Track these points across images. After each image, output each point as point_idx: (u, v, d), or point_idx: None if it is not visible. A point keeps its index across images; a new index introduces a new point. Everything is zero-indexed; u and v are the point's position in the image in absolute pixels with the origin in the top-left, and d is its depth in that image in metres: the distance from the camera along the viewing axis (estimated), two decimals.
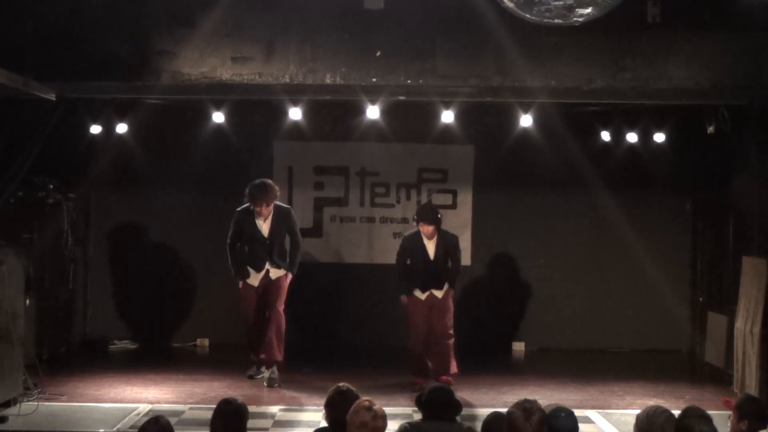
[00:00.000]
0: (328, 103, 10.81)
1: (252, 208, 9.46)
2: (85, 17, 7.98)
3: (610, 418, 8.31)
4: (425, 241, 9.45)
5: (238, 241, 9.64)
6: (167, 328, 11.73)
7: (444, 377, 9.24)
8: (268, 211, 9.49)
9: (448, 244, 9.55)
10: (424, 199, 11.85)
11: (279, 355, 9.52)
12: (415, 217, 9.65)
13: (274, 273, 9.58)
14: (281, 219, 9.59)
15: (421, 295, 9.44)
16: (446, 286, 9.50)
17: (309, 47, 8.09)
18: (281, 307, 9.58)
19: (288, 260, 9.63)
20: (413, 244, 9.53)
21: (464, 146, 11.80)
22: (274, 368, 9.49)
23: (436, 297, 9.46)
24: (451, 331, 9.48)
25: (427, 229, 9.39)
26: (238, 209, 9.63)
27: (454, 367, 9.44)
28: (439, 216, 9.51)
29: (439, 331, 9.42)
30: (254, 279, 9.59)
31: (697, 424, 4.68)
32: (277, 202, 9.60)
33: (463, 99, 9.60)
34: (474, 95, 9.06)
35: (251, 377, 9.68)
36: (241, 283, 9.62)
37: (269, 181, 9.62)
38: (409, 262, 9.59)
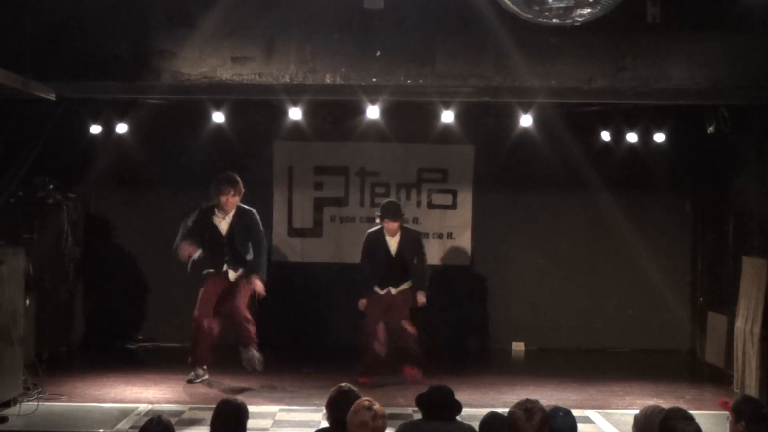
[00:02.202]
0: (328, 103, 10.80)
1: (215, 203, 9.38)
2: (85, 17, 7.97)
3: (610, 418, 8.32)
4: (387, 237, 9.58)
5: (188, 228, 9.46)
6: (167, 327, 11.72)
7: (409, 368, 9.35)
8: (233, 204, 9.36)
9: (411, 240, 9.67)
10: (424, 199, 11.86)
11: (252, 334, 9.38)
12: (378, 214, 9.72)
13: (233, 275, 9.45)
14: (242, 220, 9.47)
15: (380, 291, 9.60)
16: (404, 285, 9.58)
17: (309, 47, 8.09)
18: (246, 313, 9.42)
19: (253, 262, 9.46)
20: (376, 241, 9.64)
21: (464, 146, 11.80)
22: (252, 349, 9.36)
23: (392, 295, 9.59)
24: (410, 329, 9.53)
25: (391, 225, 9.54)
26: (201, 206, 9.54)
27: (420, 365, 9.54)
28: (403, 213, 9.71)
29: (395, 327, 9.51)
30: (215, 275, 9.44)
31: (681, 425, 4.67)
32: (241, 204, 9.49)
33: (463, 99, 9.60)
34: (474, 95, 9.05)
35: (191, 382, 9.41)
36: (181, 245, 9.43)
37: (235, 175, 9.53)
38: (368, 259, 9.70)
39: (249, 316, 9.41)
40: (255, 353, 9.35)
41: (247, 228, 9.50)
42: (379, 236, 9.69)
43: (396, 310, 9.60)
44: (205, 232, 9.49)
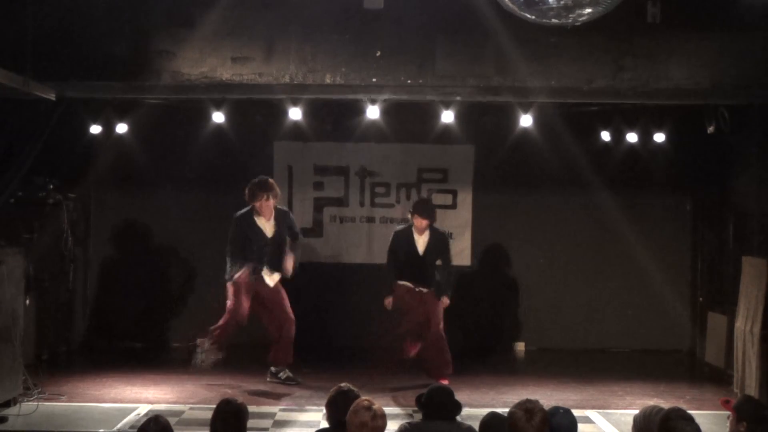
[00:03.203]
0: (328, 103, 10.80)
1: (252, 207, 9.37)
2: (85, 17, 7.97)
3: (610, 418, 8.32)
4: (416, 236, 9.48)
5: (239, 249, 9.37)
6: (167, 327, 11.73)
7: (442, 379, 9.24)
8: (270, 208, 9.39)
9: (439, 240, 9.58)
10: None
11: (291, 358, 9.55)
12: (411, 210, 9.64)
13: (270, 279, 9.42)
14: (285, 221, 9.54)
15: (413, 287, 9.47)
16: (433, 290, 9.47)
17: (309, 47, 8.08)
18: (290, 312, 9.48)
19: (287, 257, 9.47)
20: (403, 239, 9.56)
21: (464, 146, 11.81)
22: (286, 369, 9.53)
23: (424, 293, 9.47)
24: (443, 333, 9.44)
25: (421, 222, 9.42)
26: (236, 215, 9.49)
27: (449, 368, 9.41)
28: (434, 213, 9.58)
29: (432, 327, 9.38)
30: (245, 277, 9.37)
31: (680, 425, 4.67)
32: (278, 206, 9.55)
33: (463, 99, 9.60)
34: (474, 95, 9.05)
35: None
36: (230, 285, 9.35)
37: (270, 179, 9.58)
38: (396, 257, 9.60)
39: (292, 319, 9.46)
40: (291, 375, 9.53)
41: (289, 227, 9.58)
42: (407, 235, 9.55)
43: (432, 308, 9.43)
44: (248, 237, 9.40)
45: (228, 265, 9.37)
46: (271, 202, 9.39)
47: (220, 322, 9.41)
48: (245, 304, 9.37)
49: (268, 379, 9.57)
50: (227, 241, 9.47)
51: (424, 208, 9.55)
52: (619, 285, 11.93)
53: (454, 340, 11.63)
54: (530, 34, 7.76)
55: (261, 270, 9.39)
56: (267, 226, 9.44)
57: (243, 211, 9.47)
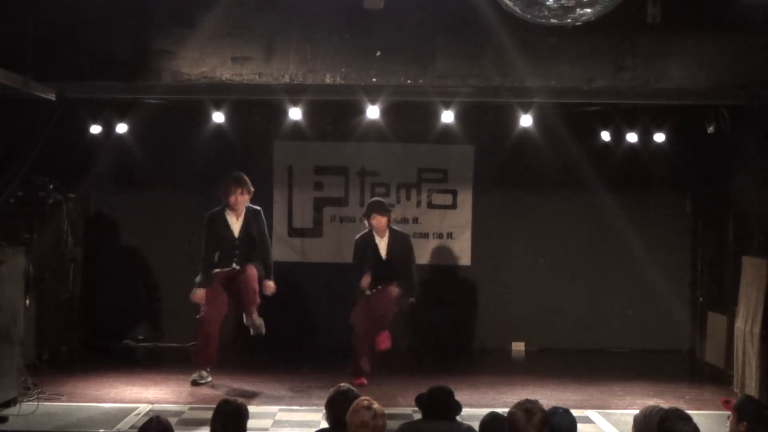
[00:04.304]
0: (328, 103, 10.80)
1: (226, 204, 9.34)
2: (85, 17, 7.97)
3: (610, 418, 8.32)
4: (377, 239, 9.50)
5: (212, 252, 9.33)
6: (167, 327, 11.73)
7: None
8: (244, 202, 9.34)
9: (400, 241, 9.61)
10: (424, 199, 11.87)
11: (257, 301, 9.33)
12: (365, 213, 9.64)
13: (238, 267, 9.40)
14: (256, 219, 9.47)
15: (369, 292, 9.48)
16: (392, 287, 9.44)
17: (309, 47, 8.09)
18: (255, 284, 9.30)
19: (263, 266, 9.44)
20: (365, 244, 9.56)
21: (464, 146, 11.80)
22: (254, 315, 9.31)
23: (376, 293, 9.48)
24: (387, 343, 9.44)
25: (380, 221, 9.42)
26: (208, 214, 9.46)
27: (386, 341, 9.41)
28: (390, 209, 9.63)
29: (377, 326, 9.40)
30: (218, 277, 9.36)
31: (679, 425, 4.68)
32: (249, 204, 9.47)
33: (463, 99, 9.60)
34: (474, 95, 9.05)
35: (195, 383, 9.35)
36: (200, 292, 9.30)
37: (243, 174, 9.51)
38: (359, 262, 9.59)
39: (256, 287, 9.33)
40: (257, 318, 9.29)
41: (258, 227, 9.50)
42: (368, 239, 9.60)
43: (379, 314, 9.40)
44: (218, 234, 9.38)
45: (199, 276, 9.32)
46: (246, 197, 9.36)
47: (198, 342, 9.46)
48: (221, 297, 9.34)
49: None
50: (203, 248, 9.43)
51: (380, 206, 9.56)
52: (619, 285, 11.92)
53: (454, 340, 11.69)
54: (530, 34, 7.76)
55: (230, 266, 9.37)
56: (236, 224, 9.40)
57: (215, 209, 9.46)
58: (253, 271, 9.34)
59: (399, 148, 11.79)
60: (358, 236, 9.82)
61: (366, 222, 9.68)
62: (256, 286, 9.32)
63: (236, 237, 9.40)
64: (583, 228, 11.97)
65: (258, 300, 9.32)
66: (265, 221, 9.64)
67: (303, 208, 11.79)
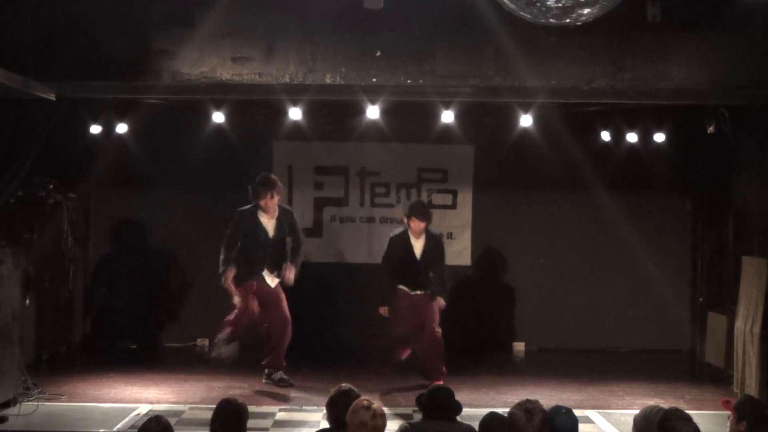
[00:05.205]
0: (328, 103, 10.81)
1: (256, 204, 9.28)
2: (85, 17, 7.97)
3: (610, 418, 8.31)
4: (412, 240, 9.41)
5: (234, 244, 9.29)
6: (167, 327, 11.73)
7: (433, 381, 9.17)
8: (274, 205, 9.28)
9: (435, 243, 9.50)
10: (424, 199, 11.82)
11: (283, 361, 9.47)
12: (406, 213, 9.52)
13: (271, 280, 9.36)
14: (286, 219, 9.43)
15: (410, 291, 9.40)
16: (430, 291, 9.39)
17: (309, 47, 8.09)
18: (287, 313, 9.40)
19: (288, 260, 9.40)
20: (400, 244, 9.47)
21: (464, 146, 11.81)
22: (280, 372, 9.46)
23: (419, 296, 9.40)
24: (438, 336, 9.33)
25: (419, 225, 9.33)
26: (240, 209, 9.44)
27: (440, 375, 9.20)
28: (431, 214, 9.52)
29: (427, 328, 9.25)
30: (249, 283, 9.31)
31: (679, 425, 4.67)
32: (281, 204, 9.47)
33: (463, 99, 9.60)
34: (474, 95, 9.05)
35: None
36: (232, 286, 9.24)
37: (272, 174, 9.51)
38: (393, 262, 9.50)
39: (289, 319, 9.38)
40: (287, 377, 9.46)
41: (291, 227, 9.47)
42: (404, 239, 9.46)
43: (423, 312, 9.32)
44: (248, 234, 9.30)
45: (221, 258, 9.25)
46: (276, 199, 9.30)
47: (231, 317, 9.32)
48: (254, 301, 9.31)
49: (264, 381, 9.54)
50: (225, 237, 9.36)
51: (422, 211, 9.43)
52: (619, 285, 11.93)
53: (454, 340, 11.67)
54: (530, 34, 7.77)
55: (261, 271, 9.32)
56: (270, 225, 9.36)
57: (247, 206, 9.39)
58: (285, 315, 9.37)
59: (399, 148, 11.79)
60: (393, 234, 9.68)
61: (405, 220, 9.56)
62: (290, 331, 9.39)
63: (270, 237, 9.32)
64: (583, 228, 11.96)
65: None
66: (297, 221, 9.62)
67: (303, 208, 11.78)
